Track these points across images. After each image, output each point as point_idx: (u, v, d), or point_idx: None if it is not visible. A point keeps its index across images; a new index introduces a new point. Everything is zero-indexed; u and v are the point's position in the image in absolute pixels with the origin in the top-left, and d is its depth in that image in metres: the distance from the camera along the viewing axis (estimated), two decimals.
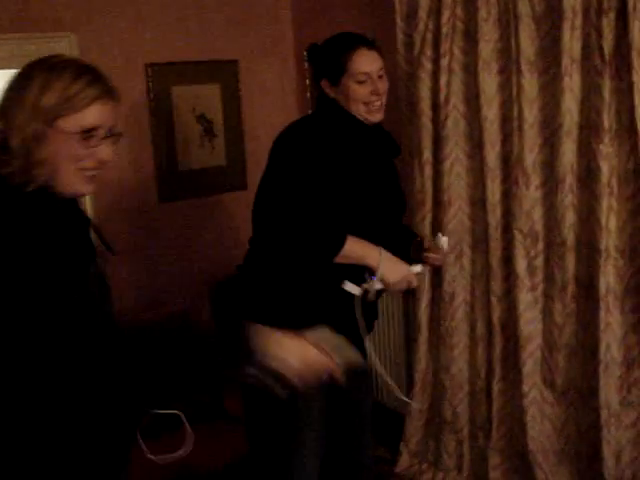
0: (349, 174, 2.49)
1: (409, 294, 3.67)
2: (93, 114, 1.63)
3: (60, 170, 1.63)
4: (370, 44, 2.59)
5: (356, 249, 2.45)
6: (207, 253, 4.32)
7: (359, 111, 2.54)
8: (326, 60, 2.58)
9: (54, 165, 1.62)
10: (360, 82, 2.51)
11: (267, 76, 4.52)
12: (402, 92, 3.56)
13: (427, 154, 3.46)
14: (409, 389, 3.83)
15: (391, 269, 2.48)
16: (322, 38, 4.34)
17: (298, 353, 1.67)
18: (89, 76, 1.65)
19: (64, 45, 3.89)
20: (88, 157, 1.66)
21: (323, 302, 2.51)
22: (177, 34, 4.21)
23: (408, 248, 2.80)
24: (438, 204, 3.47)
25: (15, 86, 1.63)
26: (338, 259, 2.44)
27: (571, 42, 2.92)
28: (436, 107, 3.40)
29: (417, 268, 2.59)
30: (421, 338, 3.66)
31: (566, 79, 2.95)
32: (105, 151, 1.68)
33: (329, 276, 2.50)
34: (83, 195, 1.74)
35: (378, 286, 2.52)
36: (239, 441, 2.88)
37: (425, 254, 2.73)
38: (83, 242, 1.74)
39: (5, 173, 1.60)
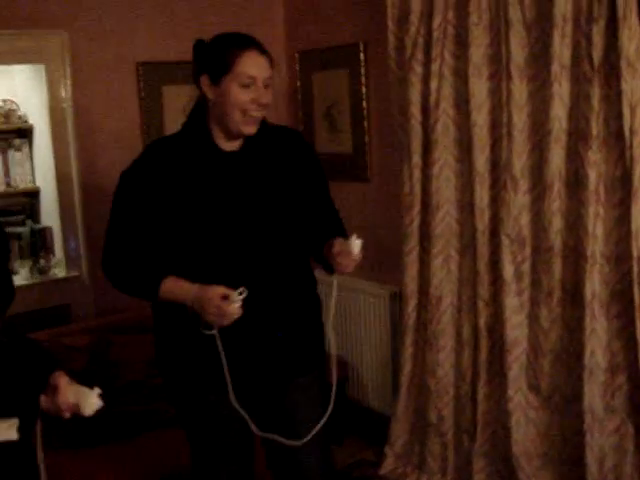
0: (179, 198, 2.30)
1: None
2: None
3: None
4: (263, 49, 2.32)
5: (168, 294, 2.30)
6: None
7: (234, 119, 2.28)
8: (211, 54, 2.30)
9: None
10: (244, 86, 2.25)
11: None
12: (393, 96, 3.57)
13: (416, 158, 3.47)
14: (395, 391, 3.85)
15: (198, 306, 2.24)
16: (313, 41, 4.40)
17: None
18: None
19: (56, 42, 3.90)
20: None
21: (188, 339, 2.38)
22: (169, 34, 4.21)
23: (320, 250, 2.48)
24: (426, 208, 3.49)
25: None
26: (165, 301, 2.33)
27: (561, 49, 2.94)
28: (426, 111, 3.41)
29: (237, 296, 2.19)
30: (407, 340, 3.67)
31: (555, 86, 2.97)
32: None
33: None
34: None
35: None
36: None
37: (336, 259, 2.36)
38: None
39: None
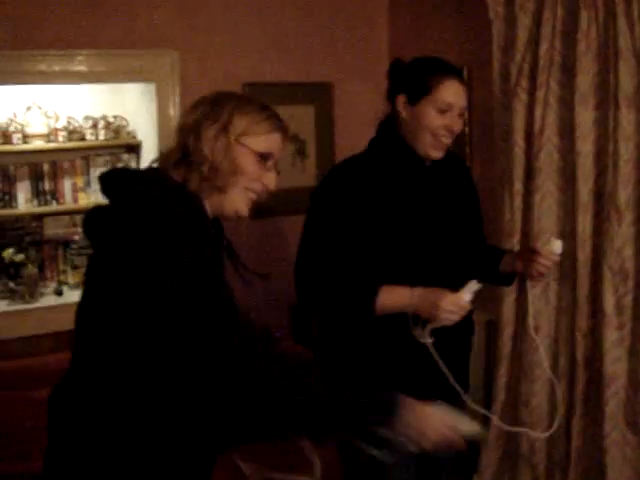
0: (389, 215, 2.32)
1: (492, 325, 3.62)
2: (273, 140, 1.82)
3: (232, 184, 1.79)
4: (462, 79, 2.39)
5: (386, 302, 2.27)
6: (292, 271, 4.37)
7: (424, 141, 2.33)
8: (412, 75, 2.36)
9: (230, 178, 1.78)
10: (440, 111, 2.30)
11: (361, 99, 4.57)
12: (496, 122, 3.56)
13: (518, 185, 3.44)
14: (487, 420, 3.80)
15: (428, 306, 2.22)
16: None
17: (437, 423, 1.72)
18: (271, 111, 1.84)
19: (166, 61, 4.03)
20: (258, 179, 1.82)
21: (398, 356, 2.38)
22: (275, 55, 4.31)
23: (495, 266, 2.61)
24: (527, 236, 3.45)
25: (209, 106, 1.80)
26: (380, 314, 2.28)
27: None
28: (530, 138, 3.38)
29: (471, 287, 2.22)
30: (501, 369, 3.62)
31: None
32: (272, 178, 1.85)
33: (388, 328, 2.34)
34: (240, 217, 1.86)
35: (430, 326, 2.27)
36: None
37: (534, 260, 2.45)
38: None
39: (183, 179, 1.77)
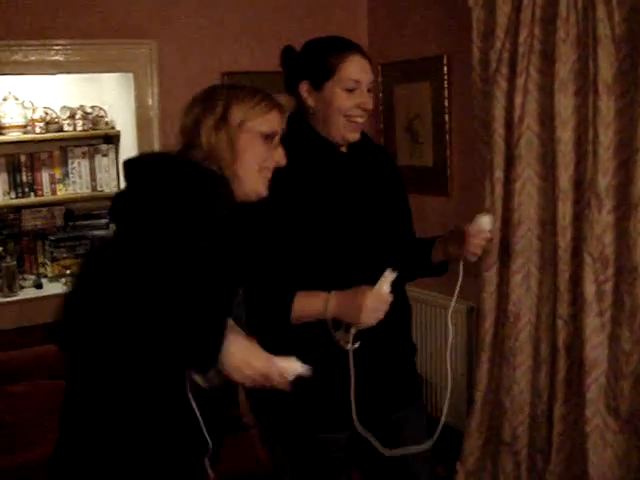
0: (305, 208, 2.19)
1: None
2: (273, 119, 1.90)
3: (246, 169, 1.86)
4: (364, 53, 2.25)
5: (300, 313, 2.11)
6: None
7: (338, 125, 2.20)
8: (312, 59, 2.22)
9: (241, 164, 1.86)
10: (348, 90, 2.17)
11: None
12: (475, 110, 3.56)
13: (498, 173, 3.45)
14: (469, 406, 3.82)
15: (351, 309, 2.06)
16: (396, 53, 4.41)
17: (255, 359, 1.70)
18: (263, 92, 1.92)
19: (144, 51, 4.00)
20: (269, 158, 1.91)
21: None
22: (253, 44, 4.29)
23: (426, 256, 2.43)
24: (507, 223, 3.46)
25: (202, 103, 1.90)
26: (297, 323, 2.12)
27: None
28: (510, 126, 3.38)
29: (387, 278, 2.07)
30: (483, 357, 3.63)
31: None
32: (281, 154, 1.95)
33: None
34: (261, 197, 1.92)
35: (353, 330, 2.11)
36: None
37: (465, 241, 2.27)
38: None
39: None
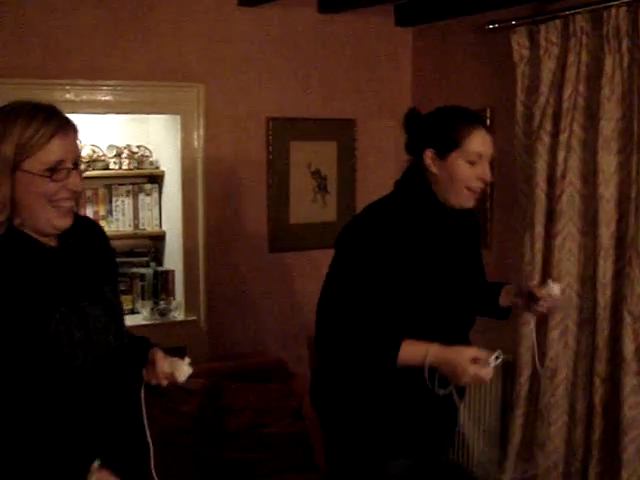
0: (418, 263, 2.28)
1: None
2: (54, 150, 1.71)
3: (35, 209, 1.73)
4: (487, 127, 2.37)
5: (407, 357, 2.20)
6: (311, 305, 4.37)
7: (459, 194, 2.30)
8: (440, 129, 2.31)
9: (28, 206, 1.72)
10: (471, 163, 2.27)
11: (382, 136, 4.59)
12: (518, 164, 3.57)
13: (539, 228, 3.45)
14: (501, 462, 3.77)
15: (451, 368, 2.17)
16: (439, 103, 4.43)
17: None
18: (42, 115, 1.72)
19: (193, 95, 4.07)
20: (59, 191, 1.73)
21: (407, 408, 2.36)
22: (299, 91, 4.34)
23: (495, 300, 2.58)
24: (546, 279, 3.43)
25: None
26: (401, 365, 2.22)
27: None
28: (552, 181, 3.40)
29: (493, 362, 2.15)
30: (518, 411, 3.60)
31: None
32: (74, 182, 1.75)
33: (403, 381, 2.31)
34: (62, 229, 1.79)
35: (451, 387, 2.25)
36: None
37: (535, 302, 2.44)
38: (45, 287, 1.77)
39: None
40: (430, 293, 2.30)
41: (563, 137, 3.32)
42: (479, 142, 2.28)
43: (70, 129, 1.76)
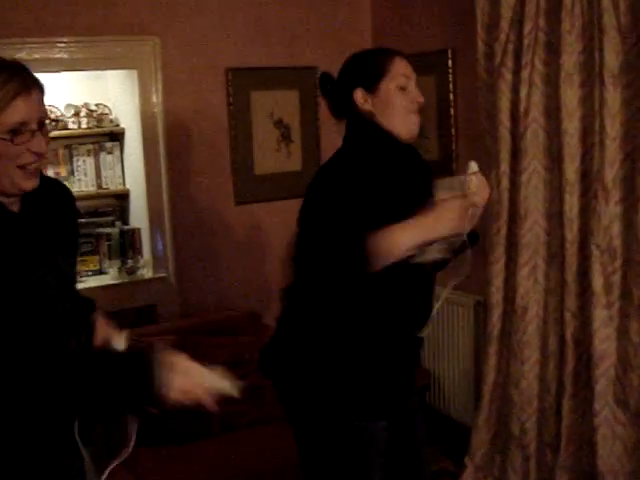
0: (390, 200, 2.22)
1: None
2: (17, 111, 1.64)
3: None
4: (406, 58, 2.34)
5: (413, 232, 2.11)
6: (279, 256, 4.36)
7: (400, 122, 2.27)
8: (362, 65, 2.30)
9: None
10: (401, 88, 2.25)
11: None
12: (481, 103, 3.54)
13: (504, 166, 3.43)
14: (477, 401, 3.80)
15: (449, 210, 2.12)
16: (401, 47, 4.37)
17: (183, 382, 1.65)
18: (5, 74, 1.64)
19: (148, 48, 3.99)
20: (23, 155, 1.66)
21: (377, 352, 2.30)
22: (258, 40, 4.27)
23: None
24: (513, 216, 3.44)
25: None
26: (391, 258, 2.08)
27: None
28: (515, 119, 3.37)
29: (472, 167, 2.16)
30: (491, 350, 3.62)
31: None
32: (39, 144, 1.68)
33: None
34: (27, 191, 1.73)
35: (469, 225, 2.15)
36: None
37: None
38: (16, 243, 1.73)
39: None
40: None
41: (525, 73, 3.28)
42: (403, 65, 2.28)
43: (34, 88, 1.68)
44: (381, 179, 2.24)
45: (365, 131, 2.30)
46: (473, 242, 2.40)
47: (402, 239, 2.08)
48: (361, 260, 2.07)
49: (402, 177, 2.31)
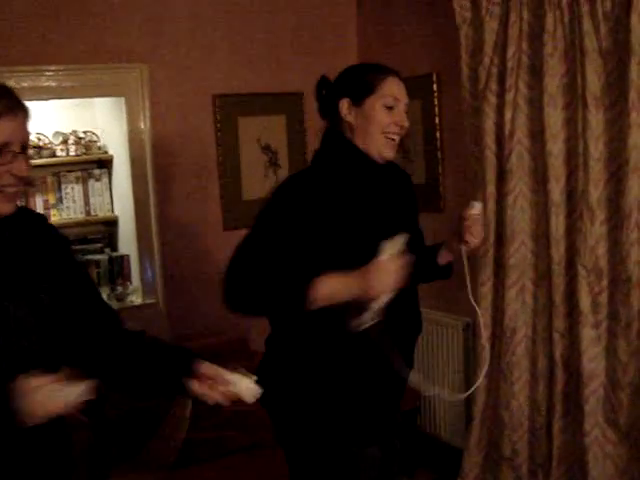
0: (343, 220, 2.20)
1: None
2: (1, 131, 1.62)
3: None
4: (401, 78, 2.32)
5: (327, 291, 2.08)
6: None
7: (377, 141, 2.25)
8: (354, 77, 2.30)
9: None
10: (388, 107, 2.23)
11: None
12: (466, 126, 3.57)
13: (491, 188, 3.46)
14: (467, 423, 3.80)
15: (362, 283, 2.07)
16: None
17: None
18: None
19: (136, 75, 4.02)
20: (3, 176, 1.64)
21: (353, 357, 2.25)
22: (244, 66, 4.30)
23: (433, 260, 2.50)
24: (500, 238, 3.46)
25: None
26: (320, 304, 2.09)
27: (638, 78, 2.91)
28: (500, 141, 3.40)
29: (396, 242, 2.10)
30: (480, 372, 3.62)
31: (633, 115, 2.94)
32: (20, 167, 1.66)
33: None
34: (2, 215, 1.69)
35: (375, 305, 2.10)
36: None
37: (461, 227, 2.35)
38: None
39: None
40: (356, 250, 2.19)
41: (509, 96, 3.32)
42: (394, 85, 2.26)
43: (20, 111, 1.66)
44: (338, 202, 2.22)
45: (337, 146, 2.29)
46: (447, 274, 2.52)
47: (324, 287, 2.07)
48: (276, 289, 2.15)
49: (362, 200, 2.27)
